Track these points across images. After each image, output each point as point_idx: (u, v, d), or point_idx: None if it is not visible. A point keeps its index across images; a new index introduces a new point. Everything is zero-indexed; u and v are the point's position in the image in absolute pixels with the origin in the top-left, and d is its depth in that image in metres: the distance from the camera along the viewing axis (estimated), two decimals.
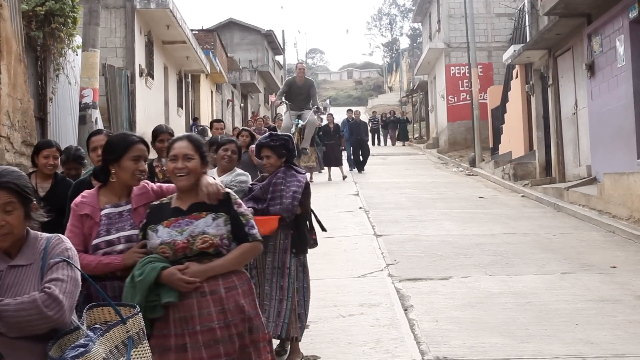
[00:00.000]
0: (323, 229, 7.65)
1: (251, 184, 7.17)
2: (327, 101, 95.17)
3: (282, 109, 26.80)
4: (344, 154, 26.91)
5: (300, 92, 19.21)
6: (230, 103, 46.81)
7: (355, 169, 27.00)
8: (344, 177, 24.33)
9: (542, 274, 10.18)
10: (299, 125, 19.25)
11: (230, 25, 59.36)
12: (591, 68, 17.35)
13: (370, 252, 12.01)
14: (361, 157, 27.20)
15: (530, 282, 9.66)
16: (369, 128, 33.14)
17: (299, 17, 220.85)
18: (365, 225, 14.81)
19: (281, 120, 25.82)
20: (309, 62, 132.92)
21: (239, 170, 7.48)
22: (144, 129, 7.09)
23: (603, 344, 6.97)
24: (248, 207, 5.70)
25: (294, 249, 6.90)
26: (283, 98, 19.51)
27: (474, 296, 8.98)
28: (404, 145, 45.01)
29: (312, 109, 19.61)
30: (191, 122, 32.54)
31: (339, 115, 35.15)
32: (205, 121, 34.20)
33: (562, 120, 20.50)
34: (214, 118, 15.59)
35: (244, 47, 57.78)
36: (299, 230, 6.97)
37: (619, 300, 8.60)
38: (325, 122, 26.90)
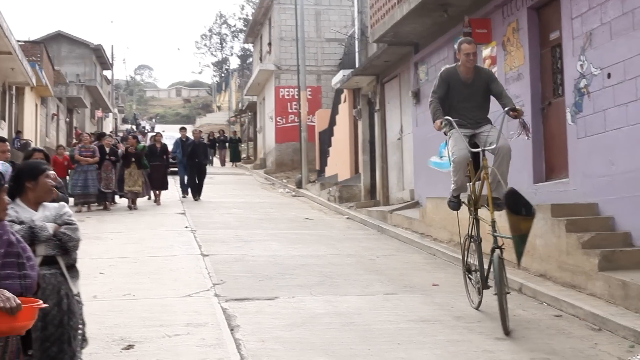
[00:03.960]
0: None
1: None
2: (153, 120, 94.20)
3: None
4: (176, 178, 25.22)
5: (470, 93, 9.54)
6: (56, 117, 45.54)
7: (190, 195, 24.10)
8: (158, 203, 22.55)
9: (365, 294, 10.36)
10: (490, 148, 9.18)
11: (58, 37, 57.95)
12: (417, 95, 17.90)
13: (196, 272, 11.88)
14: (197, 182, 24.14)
15: (354, 303, 9.80)
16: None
17: (128, 33, 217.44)
18: (192, 244, 14.67)
19: (134, 137, 22.94)
20: (137, 78, 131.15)
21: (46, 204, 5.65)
22: None
23: None
24: None
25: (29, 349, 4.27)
26: (439, 111, 9.50)
27: (299, 316, 9.03)
28: (234, 165, 44.77)
29: (503, 119, 9.21)
30: (14, 135, 31.43)
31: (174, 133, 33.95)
32: (28, 135, 33.11)
33: (387, 145, 21.02)
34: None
35: (72, 60, 56.51)
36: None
37: (439, 321, 8.85)
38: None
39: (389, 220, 17.66)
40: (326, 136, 29.51)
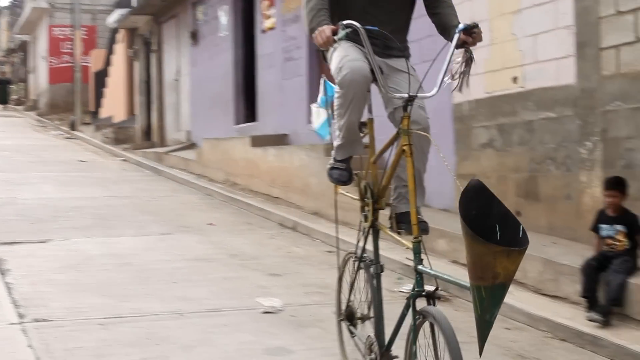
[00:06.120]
0: None
1: None
2: None
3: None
4: None
5: None
6: None
7: None
8: None
9: (141, 235, 10.31)
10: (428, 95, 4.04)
11: None
12: (195, 36, 17.81)
13: None
14: None
15: (129, 244, 9.75)
16: None
17: None
18: None
19: None
20: None
21: None
22: None
23: (200, 299, 7.21)
24: None
25: None
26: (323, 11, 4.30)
27: (73, 258, 8.86)
28: (4, 108, 42.79)
29: (450, 56, 4.06)
30: None
31: None
32: None
33: (164, 86, 20.83)
34: None
35: None
36: None
37: (215, 259, 8.95)
38: None
39: (165, 162, 17.56)
40: (101, 77, 28.84)
